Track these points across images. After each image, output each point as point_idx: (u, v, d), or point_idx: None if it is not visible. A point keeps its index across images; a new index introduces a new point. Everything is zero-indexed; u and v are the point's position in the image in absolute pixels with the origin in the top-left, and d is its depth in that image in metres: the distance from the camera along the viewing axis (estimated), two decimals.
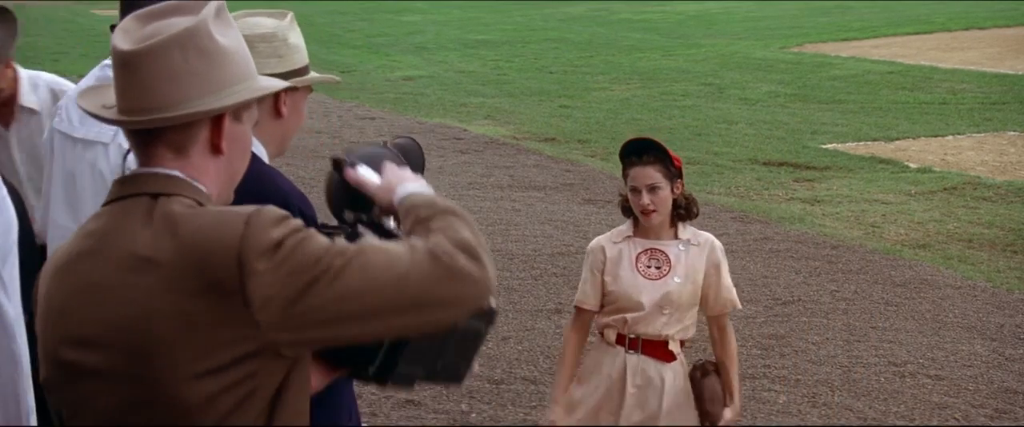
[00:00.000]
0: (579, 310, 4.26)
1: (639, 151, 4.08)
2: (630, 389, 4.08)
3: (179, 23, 1.99)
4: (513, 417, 5.76)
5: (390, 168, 2.27)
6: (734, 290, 4.22)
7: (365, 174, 2.31)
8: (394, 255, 1.92)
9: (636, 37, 25.22)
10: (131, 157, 2.35)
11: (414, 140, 2.87)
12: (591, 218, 9.61)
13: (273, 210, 1.95)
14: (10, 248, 2.53)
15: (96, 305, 1.96)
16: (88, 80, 3.62)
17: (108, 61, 3.23)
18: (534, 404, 5.87)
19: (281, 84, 2.12)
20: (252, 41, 2.70)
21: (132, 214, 1.99)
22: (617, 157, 4.25)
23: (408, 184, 2.20)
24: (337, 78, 3.23)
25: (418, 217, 2.06)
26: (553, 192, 10.91)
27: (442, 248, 1.94)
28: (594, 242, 4.27)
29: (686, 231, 4.15)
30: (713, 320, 4.23)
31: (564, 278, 7.94)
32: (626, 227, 4.19)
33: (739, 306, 4.26)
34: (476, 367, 2.21)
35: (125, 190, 2.03)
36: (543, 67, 20.94)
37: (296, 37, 2.81)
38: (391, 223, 2.24)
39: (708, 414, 4.13)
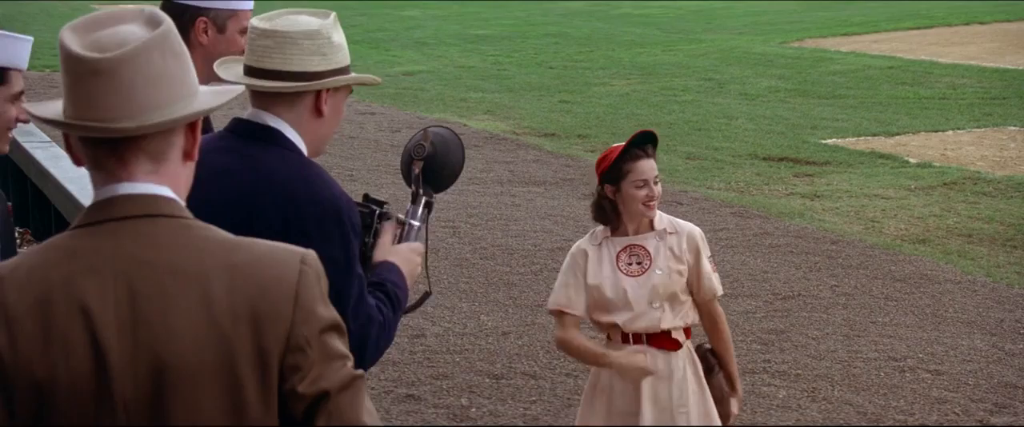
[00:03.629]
0: (562, 314, 4.20)
1: (644, 143, 4.09)
2: (644, 382, 4.08)
3: (134, 30, 1.90)
4: (513, 412, 5.77)
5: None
6: (714, 277, 4.16)
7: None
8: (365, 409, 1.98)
9: (636, 32, 25.21)
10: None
11: (453, 131, 3.32)
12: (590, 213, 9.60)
13: (317, 259, 1.95)
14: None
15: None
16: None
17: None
18: (534, 398, 5.87)
19: (239, 89, 2.07)
20: (296, 37, 2.67)
21: (140, 233, 1.88)
22: None
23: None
24: (378, 79, 3.10)
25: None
26: (553, 187, 10.91)
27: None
28: (575, 247, 4.26)
29: (662, 221, 4.13)
30: (701, 308, 4.18)
31: None
32: (601, 230, 4.18)
33: (720, 292, 4.19)
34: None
35: (124, 212, 1.89)
36: (543, 62, 20.93)
37: (339, 36, 2.76)
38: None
39: (719, 415, 4.16)
